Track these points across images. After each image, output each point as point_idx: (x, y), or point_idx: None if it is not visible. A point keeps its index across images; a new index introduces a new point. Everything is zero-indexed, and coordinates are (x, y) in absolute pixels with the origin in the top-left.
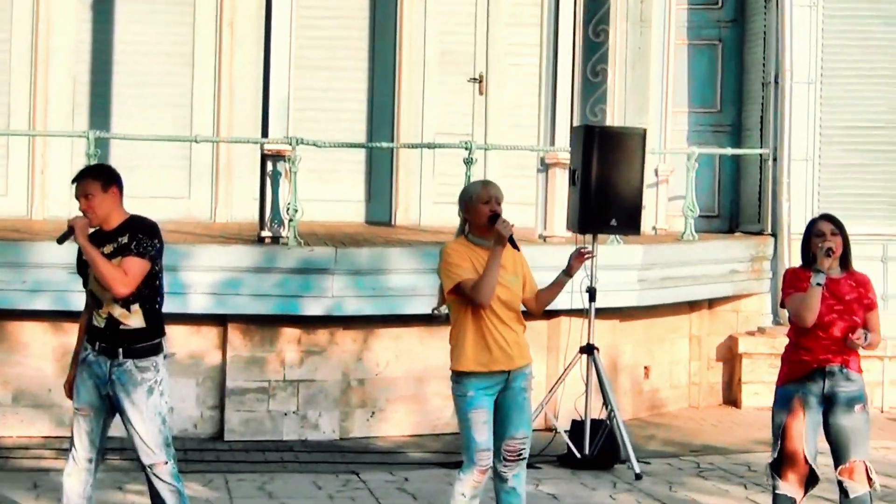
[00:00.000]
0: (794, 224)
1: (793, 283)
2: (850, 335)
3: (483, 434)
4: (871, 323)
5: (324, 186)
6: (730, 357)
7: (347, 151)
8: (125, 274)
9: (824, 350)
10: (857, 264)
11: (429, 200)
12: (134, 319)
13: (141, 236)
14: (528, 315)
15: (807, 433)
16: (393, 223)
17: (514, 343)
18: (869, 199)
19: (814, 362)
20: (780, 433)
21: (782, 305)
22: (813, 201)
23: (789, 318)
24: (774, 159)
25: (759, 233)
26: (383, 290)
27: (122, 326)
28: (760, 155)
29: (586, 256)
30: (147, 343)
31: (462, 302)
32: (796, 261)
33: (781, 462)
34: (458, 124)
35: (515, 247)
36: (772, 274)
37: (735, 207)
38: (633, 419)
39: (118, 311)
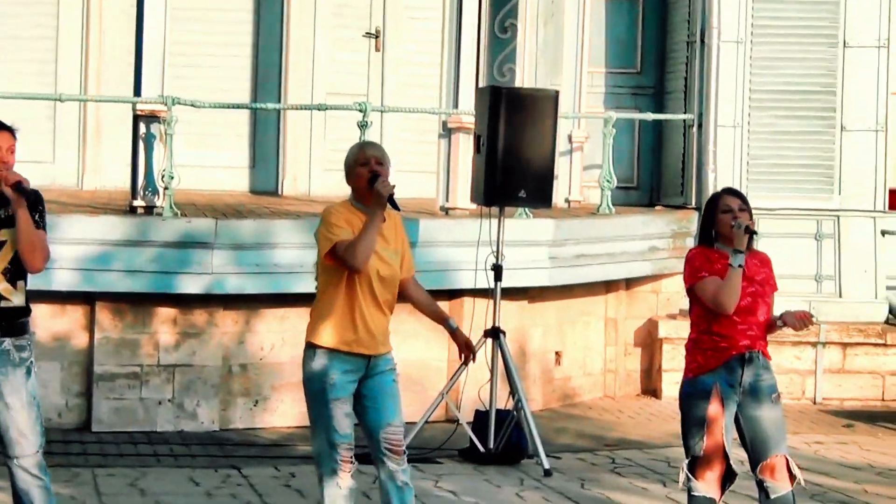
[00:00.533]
0: None
1: (703, 265)
2: (792, 317)
3: (346, 427)
4: (771, 307)
5: (203, 151)
6: (649, 342)
7: (229, 113)
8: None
9: (743, 336)
10: (789, 242)
11: (319, 168)
12: (18, 296)
13: (41, 208)
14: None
15: (726, 426)
16: (280, 193)
17: (381, 330)
18: (802, 170)
19: (732, 349)
20: (702, 428)
21: (690, 292)
22: (741, 172)
23: (693, 305)
24: (699, 125)
25: (682, 206)
26: (268, 266)
27: (3, 303)
28: (684, 121)
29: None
30: (23, 319)
31: (337, 271)
32: None
33: (697, 460)
34: (352, 84)
35: (396, 207)
36: None
37: (656, 178)
38: (543, 410)
39: (3, 287)
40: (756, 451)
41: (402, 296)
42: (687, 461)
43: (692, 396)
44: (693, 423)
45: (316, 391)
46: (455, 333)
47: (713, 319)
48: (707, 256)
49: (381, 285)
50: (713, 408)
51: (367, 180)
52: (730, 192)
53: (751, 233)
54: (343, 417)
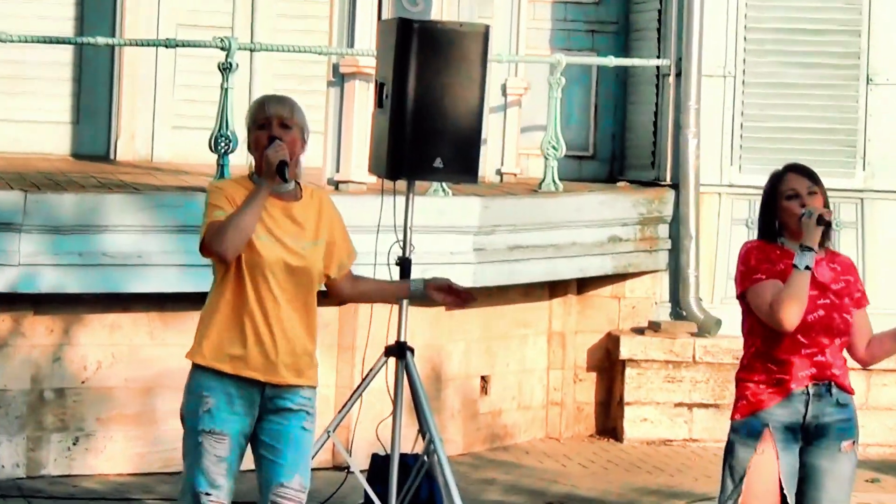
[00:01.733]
0: (706, 171)
1: (761, 264)
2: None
3: (219, 475)
4: (865, 325)
5: (10, 101)
6: (607, 366)
7: (45, 50)
8: None
9: (809, 363)
10: None
11: (166, 125)
12: None
13: None
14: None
15: (786, 478)
16: (112, 157)
17: (287, 347)
18: (814, 136)
19: (793, 380)
20: (739, 483)
21: (741, 297)
22: (732, 138)
23: (746, 318)
24: (678, 74)
25: (654, 183)
26: (96, 256)
27: None
28: (658, 68)
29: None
30: None
31: (225, 270)
32: (708, 224)
33: None
34: (211, 13)
35: (283, 178)
36: (671, 243)
37: (619, 145)
38: (464, 454)
39: None
40: None
41: (334, 296)
42: None
43: (735, 444)
44: (728, 475)
45: (190, 420)
46: (427, 286)
47: (771, 339)
48: (766, 254)
49: (289, 285)
50: (760, 457)
51: (264, 147)
52: (795, 169)
53: (826, 224)
54: (216, 460)
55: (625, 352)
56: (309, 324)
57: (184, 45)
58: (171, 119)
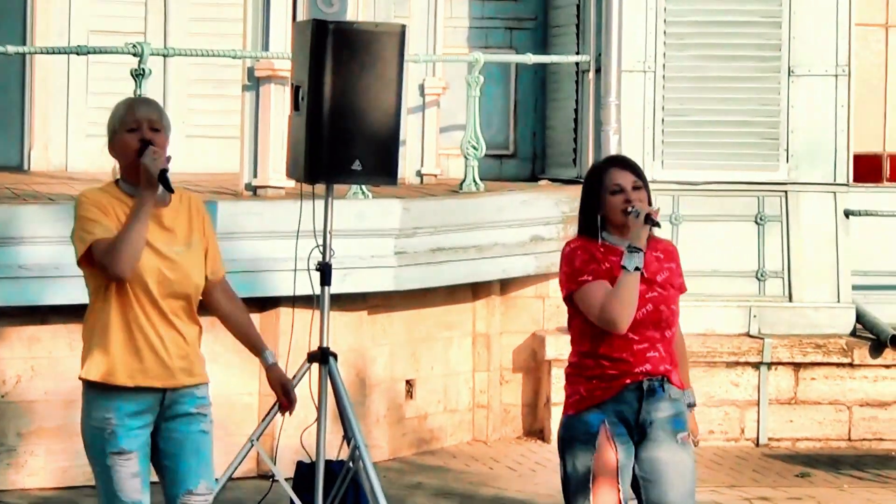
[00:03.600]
0: None
1: (587, 265)
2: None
3: (135, 491)
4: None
5: None
6: (533, 366)
7: None
8: None
9: (641, 359)
10: (720, 228)
11: (80, 133)
12: None
13: None
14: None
15: (622, 478)
16: (26, 167)
17: (179, 353)
18: (738, 129)
19: (627, 376)
20: (587, 487)
21: (568, 301)
22: (654, 133)
23: (573, 318)
24: (598, 70)
25: (576, 181)
26: (11, 268)
27: None
28: (577, 64)
29: None
30: None
31: (101, 278)
32: None
33: None
34: (123, 19)
35: (169, 188)
36: None
37: (539, 143)
38: (391, 460)
39: None
40: None
41: (207, 307)
42: None
43: (572, 441)
44: (574, 479)
45: (93, 445)
46: (271, 371)
47: (600, 337)
48: (592, 253)
49: (167, 293)
50: (600, 456)
51: (135, 152)
52: (618, 162)
53: (653, 223)
54: (129, 478)
55: (551, 352)
56: (192, 323)
57: (96, 52)
58: (84, 127)
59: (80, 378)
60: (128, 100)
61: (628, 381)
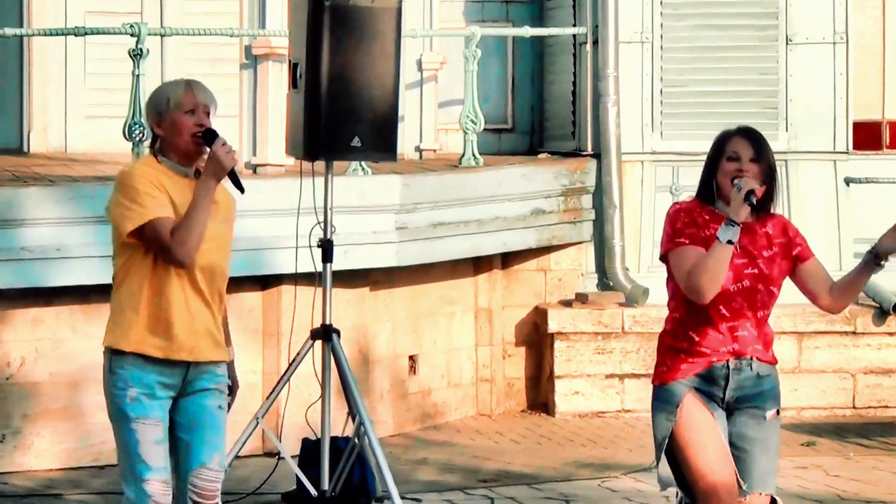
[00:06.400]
0: (627, 139)
1: (686, 228)
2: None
3: (158, 458)
4: (819, 273)
5: None
6: (536, 340)
7: None
8: None
9: (729, 337)
10: None
11: (79, 115)
12: None
13: None
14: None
15: (721, 448)
16: (26, 150)
17: (207, 329)
18: (736, 99)
19: (714, 354)
20: (660, 450)
21: (664, 260)
22: (653, 104)
23: (670, 281)
24: (595, 42)
25: (575, 153)
26: (14, 251)
27: None
28: (574, 37)
29: None
30: None
31: (142, 252)
32: (631, 193)
33: (699, 492)
34: (119, 0)
35: (240, 187)
36: (595, 213)
37: (538, 117)
38: (396, 435)
39: None
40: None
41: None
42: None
43: (658, 408)
44: (656, 445)
45: (117, 413)
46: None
47: (692, 307)
48: (693, 217)
49: (208, 271)
50: (694, 416)
51: (195, 137)
52: (745, 132)
53: (752, 204)
54: (153, 444)
55: (553, 325)
56: (221, 303)
57: (93, 33)
58: (83, 109)
59: (107, 346)
60: (184, 81)
61: (715, 360)
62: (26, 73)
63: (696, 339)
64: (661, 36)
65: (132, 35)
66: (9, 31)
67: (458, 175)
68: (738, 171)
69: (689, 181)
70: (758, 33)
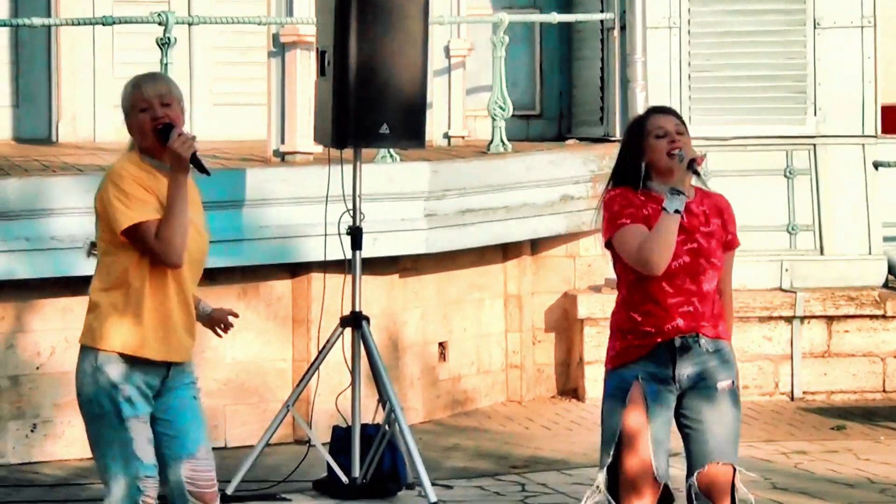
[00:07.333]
0: None
1: (625, 209)
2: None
3: (151, 456)
4: (727, 266)
5: None
6: (565, 325)
7: None
8: None
9: (674, 313)
10: (749, 182)
11: (106, 104)
12: None
13: None
14: None
15: (655, 437)
16: (55, 139)
17: (188, 324)
18: (764, 84)
19: (659, 334)
20: (612, 439)
21: (608, 245)
22: (681, 89)
23: (615, 266)
24: (623, 28)
25: (603, 139)
26: (43, 240)
27: None
28: (602, 22)
29: None
30: None
31: (139, 254)
32: None
33: (621, 482)
34: None
35: (203, 170)
36: None
37: (566, 103)
38: (426, 422)
39: None
40: (693, 458)
41: None
42: (602, 481)
43: (607, 397)
44: (605, 431)
45: (103, 413)
46: (215, 312)
47: (636, 286)
48: (630, 200)
49: (193, 263)
50: (633, 415)
51: (153, 132)
52: (659, 109)
53: (694, 171)
54: (146, 443)
55: (583, 311)
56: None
57: (121, 22)
58: (111, 98)
59: (87, 345)
60: (133, 79)
61: (659, 339)
62: (54, 62)
63: (639, 319)
64: (689, 21)
65: (160, 24)
66: (37, 20)
67: (487, 161)
68: (671, 143)
69: (719, 166)
70: (785, 17)
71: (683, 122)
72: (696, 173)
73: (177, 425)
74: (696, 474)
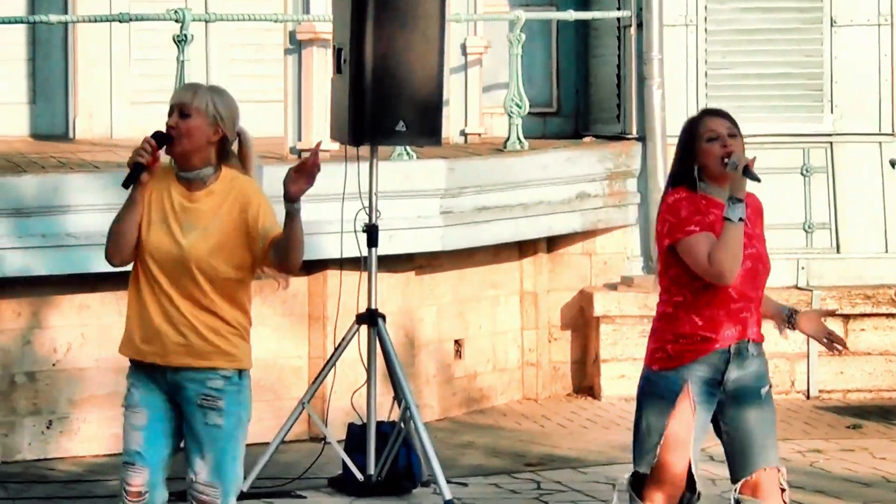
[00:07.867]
0: (672, 122)
1: (693, 216)
2: (815, 324)
3: (135, 443)
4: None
5: None
6: (581, 323)
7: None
8: None
9: (734, 320)
10: (766, 180)
11: (124, 101)
12: None
13: None
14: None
15: (695, 437)
16: (71, 136)
17: (177, 329)
18: (780, 81)
19: (718, 340)
20: (657, 441)
21: (670, 251)
22: (697, 87)
23: (670, 268)
24: (639, 25)
25: (620, 136)
26: (60, 237)
27: None
28: (618, 20)
29: None
30: None
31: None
32: None
33: (647, 477)
34: None
35: (133, 181)
36: (640, 197)
37: (583, 100)
38: (441, 420)
39: None
40: (737, 464)
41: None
42: (628, 476)
43: (652, 397)
44: (647, 431)
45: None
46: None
47: (701, 292)
48: (696, 205)
49: (168, 273)
50: (681, 417)
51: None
52: (712, 111)
53: (751, 176)
54: (131, 429)
55: (599, 308)
56: (206, 308)
57: (137, 19)
58: (128, 95)
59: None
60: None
61: (717, 345)
62: (71, 59)
63: (700, 323)
64: (706, 18)
65: (176, 21)
66: (54, 17)
67: (503, 159)
68: (723, 148)
69: None
70: (802, 15)
71: (736, 125)
72: (754, 178)
73: (188, 441)
74: (741, 482)
